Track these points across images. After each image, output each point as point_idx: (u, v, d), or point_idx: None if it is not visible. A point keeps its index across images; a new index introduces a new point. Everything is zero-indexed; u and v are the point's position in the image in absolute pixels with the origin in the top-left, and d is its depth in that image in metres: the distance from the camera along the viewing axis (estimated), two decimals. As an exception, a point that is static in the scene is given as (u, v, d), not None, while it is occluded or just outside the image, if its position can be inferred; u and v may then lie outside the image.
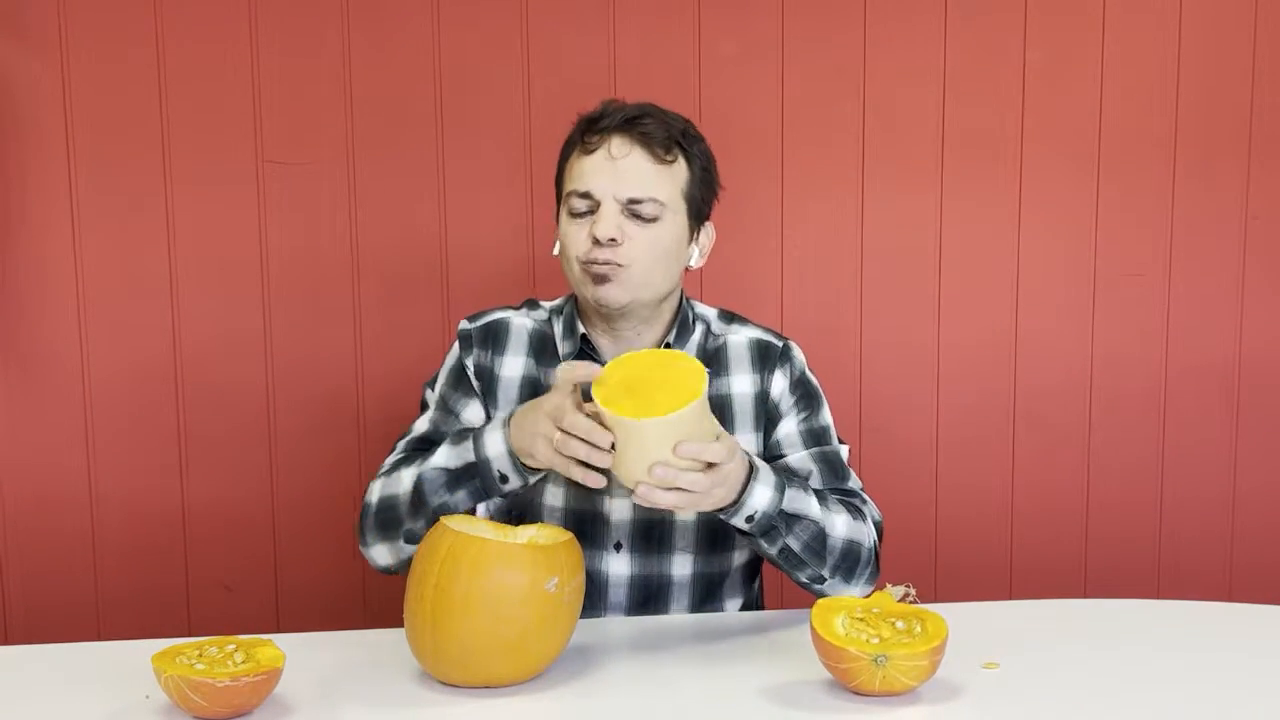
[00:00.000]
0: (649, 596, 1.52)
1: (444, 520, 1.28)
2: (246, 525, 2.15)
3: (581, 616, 1.36)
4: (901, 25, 2.16)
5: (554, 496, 1.50)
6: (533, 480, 1.37)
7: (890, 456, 2.24)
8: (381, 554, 1.46)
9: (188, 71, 2.05)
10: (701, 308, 1.60)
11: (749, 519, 1.34)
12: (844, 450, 1.57)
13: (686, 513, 1.48)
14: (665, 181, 1.45)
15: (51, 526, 2.11)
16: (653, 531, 1.50)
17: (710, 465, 1.26)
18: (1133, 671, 1.28)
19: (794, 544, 1.38)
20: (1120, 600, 1.54)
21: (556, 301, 1.60)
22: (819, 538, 1.40)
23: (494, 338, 1.56)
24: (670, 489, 1.25)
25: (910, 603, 1.31)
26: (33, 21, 2.01)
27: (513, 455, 1.34)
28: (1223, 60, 2.21)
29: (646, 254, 1.44)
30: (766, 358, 1.56)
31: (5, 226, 2.05)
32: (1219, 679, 1.26)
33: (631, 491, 1.26)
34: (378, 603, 2.18)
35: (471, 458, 1.37)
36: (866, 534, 1.46)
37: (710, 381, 1.50)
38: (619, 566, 1.51)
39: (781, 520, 1.36)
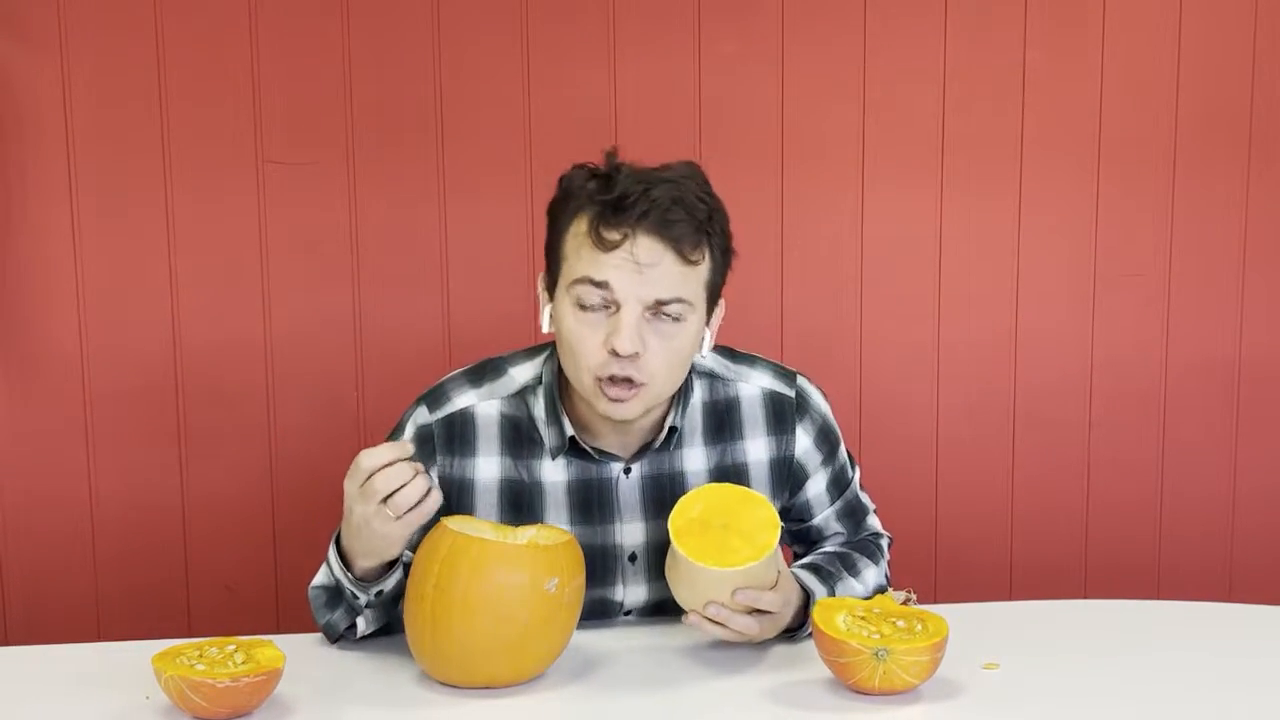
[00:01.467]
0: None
1: (444, 520, 1.28)
2: (246, 525, 2.14)
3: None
4: (901, 25, 2.16)
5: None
6: (375, 590, 1.29)
7: (890, 456, 2.24)
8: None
9: (188, 71, 2.05)
10: (702, 362, 1.45)
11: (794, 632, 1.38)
12: (857, 477, 1.55)
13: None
14: (692, 281, 1.30)
15: (51, 526, 2.11)
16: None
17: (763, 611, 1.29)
18: (1133, 671, 1.28)
19: None
20: (1120, 600, 1.54)
21: (528, 370, 1.42)
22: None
23: (461, 437, 1.39)
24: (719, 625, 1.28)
25: (911, 606, 1.31)
26: (33, 21, 2.01)
27: (345, 564, 1.28)
28: (1223, 60, 2.21)
29: (668, 365, 1.30)
30: (782, 416, 1.45)
31: (5, 226, 2.04)
32: (1219, 679, 1.26)
33: (683, 612, 1.31)
34: (378, 603, 2.18)
35: (326, 579, 1.33)
36: (883, 574, 1.51)
37: (725, 450, 1.44)
38: (634, 596, 1.47)
39: None
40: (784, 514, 1.49)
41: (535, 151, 2.11)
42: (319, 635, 1.42)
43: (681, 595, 1.31)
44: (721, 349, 1.48)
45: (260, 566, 2.16)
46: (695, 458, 1.44)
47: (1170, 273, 2.25)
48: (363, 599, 1.30)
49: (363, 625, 1.35)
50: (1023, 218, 2.22)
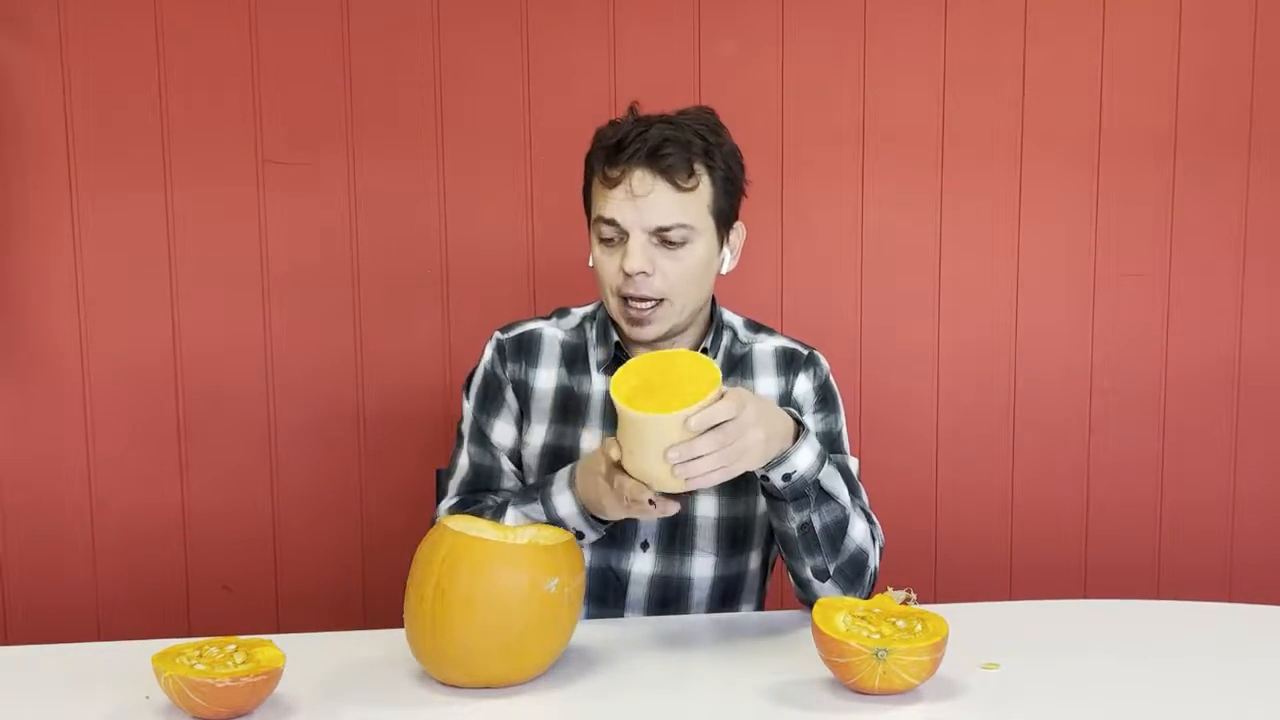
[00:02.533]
0: (669, 597, 1.52)
1: (444, 521, 1.28)
2: (246, 525, 2.15)
3: (601, 616, 1.36)
4: (901, 25, 2.16)
5: (590, 443, 1.53)
6: (605, 531, 1.43)
7: (890, 456, 2.24)
8: None
9: (188, 71, 2.05)
10: (729, 315, 1.62)
11: (786, 476, 1.33)
12: (855, 463, 1.56)
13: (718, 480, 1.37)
14: (690, 206, 1.44)
15: (52, 527, 2.11)
16: (677, 531, 1.51)
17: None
18: (1133, 671, 1.28)
19: (817, 522, 1.38)
20: (1120, 600, 1.53)
21: (588, 308, 1.61)
22: (840, 526, 1.40)
23: (527, 350, 1.58)
24: (692, 460, 1.25)
25: (911, 606, 1.31)
26: (33, 21, 2.01)
27: (584, 512, 1.40)
28: (1223, 60, 2.21)
29: (680, 281, 1.46)
30: (792, 363, 1.58)
31: (5, 226, 2.05)
32: (1219, 679, 1.26)
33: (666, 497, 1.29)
34: (378, 603, 2.18)
35: (543, 518, 1.43)
36: (874, 549, 1.47)
37: (737, 383, 1.53)
38: (642, 565, 1.52)
39: (814, 491, 1.36)
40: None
41: (535, 151, 2.11)
42: (319, 635, 1.42)
43: (641, 466, 1.26)
44: (749, 320, 1.63)
45: (260, 566, 2.16)
46: None
47: (1170, 273, 2.26)
48: (591, 536, 1.43)
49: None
50: (1023, 217, 2.22)
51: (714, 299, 1.59)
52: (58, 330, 2.07)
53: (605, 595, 1.52)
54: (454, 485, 1.58)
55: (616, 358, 1.54)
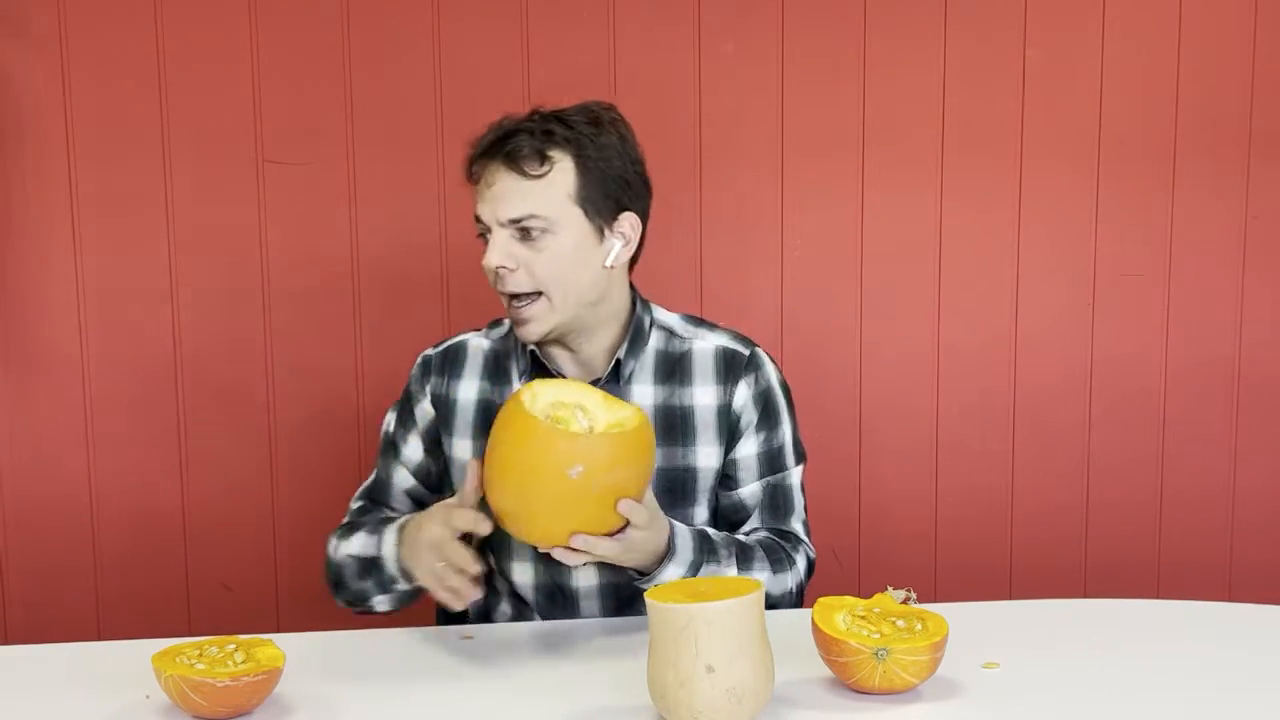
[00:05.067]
0: (622, 605, 1.52)
1: (534, 384, 1.30)
2: (246, 525, 2.15)
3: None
4: (901, 25, 2.16)
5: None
6: (415, 585, 1.41)
7: (890, 456, 2.24)
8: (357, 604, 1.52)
9: (188, 72, 2.05)
10: (663, 314, 1.56)
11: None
12: (798, 473, 1.56)
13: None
14: (543, 194, 1.41)
15: (52, 526, 2.11)
16: None
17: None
18: (1133, 671, 1.28)
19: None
20: (1120, 600, 1.53)
21: None
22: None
23: (452, 362, 1.56)
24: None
25: (911, 605, 1.31)
26: (33, 21, 2.01)
27: (400, 562, 1.41)
28: (1223, 60, 2.21)
29: (549, 272, 1.42)
30: (731, 367, 1.52)
31: (5, 226, 2.05)
32: (1219, 679, 1.26)
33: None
34: (378, 603, 2.18)
35: (374, 552, 1.44)
36: (783, 588, 1.49)
37: (674, 392, 1.51)
38: (589, 578, 1.51)
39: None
40: (720, 472, 1.53)
41: (535, 151, 2.11)
42: (319, 635, 1.42)
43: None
44: (689, 316, 1.58)
45: (260, 566, 2.16)
46: (644, 394, 1.51)
47: (1170, 273, 2.26)
48: (402, 586, 1.43)
49: (387, 604, 1.48)
50: (1023, 218, 2.22)
51: (639, 300, 1.54)
52: (58, 330, 2.07)
53: (553, 612, 1.52)
54: (360, 490, 1.61)
55: (534, 367, 1.52)
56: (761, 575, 1.45)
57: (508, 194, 1.41)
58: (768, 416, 1.53)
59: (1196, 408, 2.29)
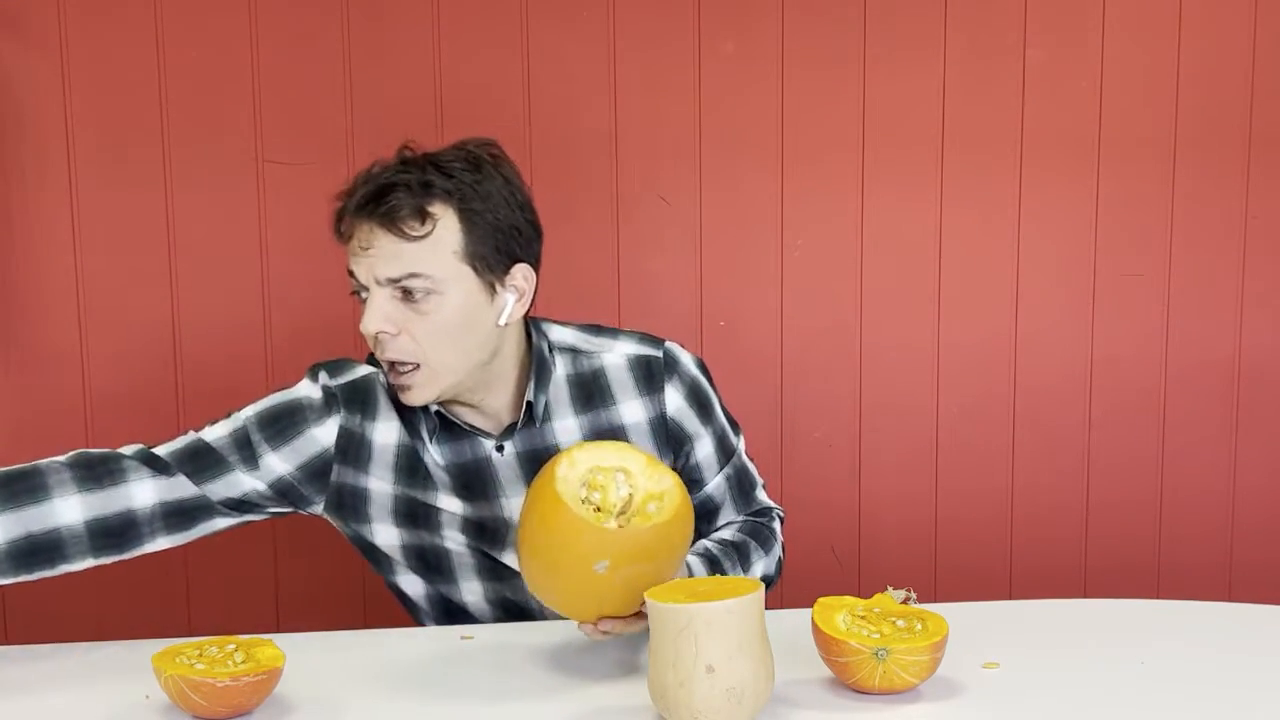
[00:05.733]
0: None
1: (573, 451, 1.22)
2: (246, 525, 2.14)
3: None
4: (901, 25, 2.16)
5: (451, 505, 1.45)
6: None
7: (890, 456, 2.24)
8: None
9: (188, 71, 2.05)
10: (559, 332, 1.48)
11: None
12: (741, 444, 1.55)
13: None
14: (425, 254, 1.30)
15: (51, 526, 2.10)
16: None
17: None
18: (1133, 671, 1.28)
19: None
20: (1120, 600, 1.53)
21: None
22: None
23: (361, 401, 1.43)
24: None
25: (911, 605, 1.31)
26: (33, 21, 2.01)
27: None
28: (1223, 60, 2.21)
29: (430, 340, 1.32)
30: (651, 375, 1.46)
31: (5, 226, 2.05)
32: (1219, 679, 1.26)
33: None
34: (378, 603, 2.18)
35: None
36: (776, 559, 1.52)
37: (598, 416, 1.45)
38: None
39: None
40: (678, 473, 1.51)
41: (535, 151, 2.11)
42: (319, 635, 1.42)
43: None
44: (586, 326, 1.51)
45: (260, 566, 2.16)
46: (568, 429, 1.45)
47: (1170, 273, 2.25)
48: None
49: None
50: (1023, 218, 2.22)
51: (533, 325, 1.46)
52: (58, 330, 2.07)
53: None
54: (176, 442, 1.41)
55: (441, 423, 1.42)
56: (761, 564, 1.48)
57: (390, 255, 1.30)
58: (705, 409, 1.50)
59: (1196, 408, 2.29)
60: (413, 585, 1.51)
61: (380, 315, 1.32)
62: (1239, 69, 2.21)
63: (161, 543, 1.42)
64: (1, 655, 1.41)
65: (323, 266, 2.11)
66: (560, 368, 1.46)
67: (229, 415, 1.44)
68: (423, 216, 1.30)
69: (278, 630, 1.56)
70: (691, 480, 1.51)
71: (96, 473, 1.37)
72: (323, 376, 1.45)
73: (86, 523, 1.37)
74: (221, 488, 1.40)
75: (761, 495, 1.59)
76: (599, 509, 1.21)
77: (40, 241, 2.05)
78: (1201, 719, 1.17)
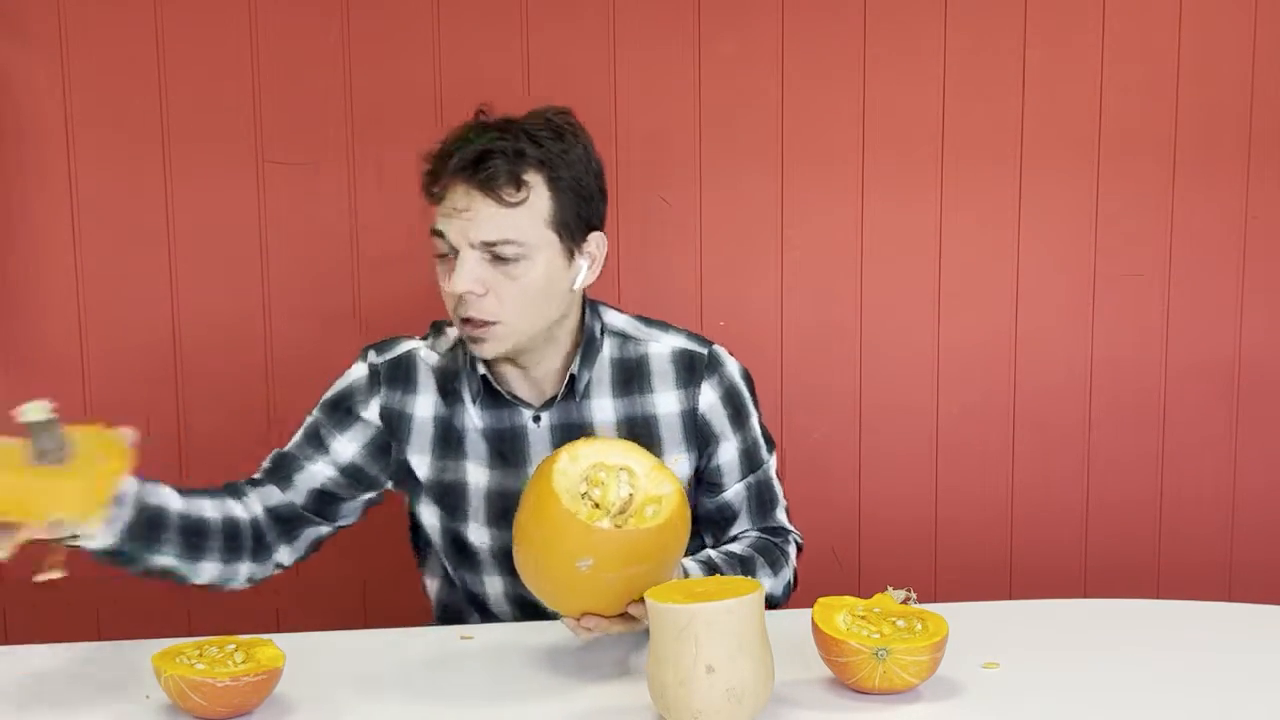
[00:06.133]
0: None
1: (578, 444, 1.24)
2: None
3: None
4: (901, 25, 2.16)
5: (479, 477, 1.49)
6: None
7: (890, 456, 2.24)
8: None
9: (188, 71, 2.05)
10: (613, 316, 1.52)
11: None
12: (773, 462, 1.55)
13: None
14: (521, 220, 1.35)
15: (51, 526, 2.10)
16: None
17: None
18: (1133, 671, 1.28)
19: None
20: (1120, 600, 1.53)
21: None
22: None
23: (404, 376, 1.50)
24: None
25: (911, 605, 1.31)
26: (33, 21, 2.01)
27: None
28: (1223, 60, 2.21)
29: (515, 303, 1.36)
30: (692, 370, 1.48)
31: (5, 226, 2.05)
32: (1219, 679, 1.26)
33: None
34: (378, 603, 2.18)
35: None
36: (784, 583, 1.51)
37: (634, 403, 1.48)
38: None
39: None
40: (697, 481, 1.52)
41: (535, 151, 2.11)
42: (319, 635, 1.42)
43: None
44: (638, 316, 1.54)
45: (260, 566, 2.15)
46: (604, 409, 1.48)
47: (1170, 273, 2.25)
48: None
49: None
50: (1023, 218, 2.22)
51: (590, 305, 1.50)
52: (58, 330, 2.07)
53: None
54: (264, 461, 1.52)
55: (485, 388, 1.47)
56: (767, 583, 1.47)
57: (486, 220, 1.34)
58: (738, 415, 1.51)
59: (1196, 408, 2.29)
60: (440, 575, 1.59)
61: (471, 276, 1.35)
62: (1239, 69, 2.21)
63: (284, 553, 1.52)
64: (2, 655, 1.41)
65: (323, 266, 2.11)
66: (607, 349, 1.49)
67: (301, 422, 1.53)
68: (518, 184, 1.34)
69: (278, 630, 1.56)
70: (711, 483, 1.52)
71: (221, 493, 1.48)
72: (371, 355, 1.52)
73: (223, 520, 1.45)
74: (303, 486, 1.49)
75: (781, 516, 1.57)
76: (597, 505, 1.21)
77: (40, 241, 2.05)
78: (1201, 719, 1.17)
